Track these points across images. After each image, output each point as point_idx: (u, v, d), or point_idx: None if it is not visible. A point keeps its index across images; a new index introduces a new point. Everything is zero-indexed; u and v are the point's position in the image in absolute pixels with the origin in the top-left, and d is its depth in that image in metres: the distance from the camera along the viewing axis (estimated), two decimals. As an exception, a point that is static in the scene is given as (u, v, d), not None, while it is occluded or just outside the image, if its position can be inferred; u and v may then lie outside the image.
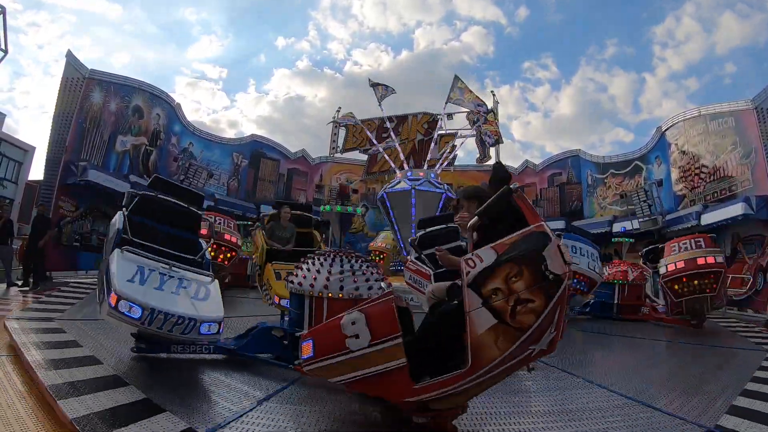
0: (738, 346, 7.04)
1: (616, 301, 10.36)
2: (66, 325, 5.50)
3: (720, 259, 8.58)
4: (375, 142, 23.32)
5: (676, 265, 8.73)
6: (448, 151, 24.30)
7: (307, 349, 2.91)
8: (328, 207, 12.72)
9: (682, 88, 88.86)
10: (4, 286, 9.48)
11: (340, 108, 27.67)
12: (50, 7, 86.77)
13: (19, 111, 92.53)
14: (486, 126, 23.86)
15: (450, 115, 26.85)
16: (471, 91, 22.26)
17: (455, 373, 2.44)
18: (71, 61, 15.08)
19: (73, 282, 10.89)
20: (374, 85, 22.09)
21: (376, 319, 2.69)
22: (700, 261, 8.43)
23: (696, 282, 8.33)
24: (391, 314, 2.67)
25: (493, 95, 25.72)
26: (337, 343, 2.74)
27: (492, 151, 27.01)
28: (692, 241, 9.00)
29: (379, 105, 20.67)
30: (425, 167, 23.67)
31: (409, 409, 2.78)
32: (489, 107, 23.53)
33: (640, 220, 18.22)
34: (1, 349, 4.44)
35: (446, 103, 20.49)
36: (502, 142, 24.35)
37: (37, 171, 20.83)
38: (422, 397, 2.56)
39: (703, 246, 8.82)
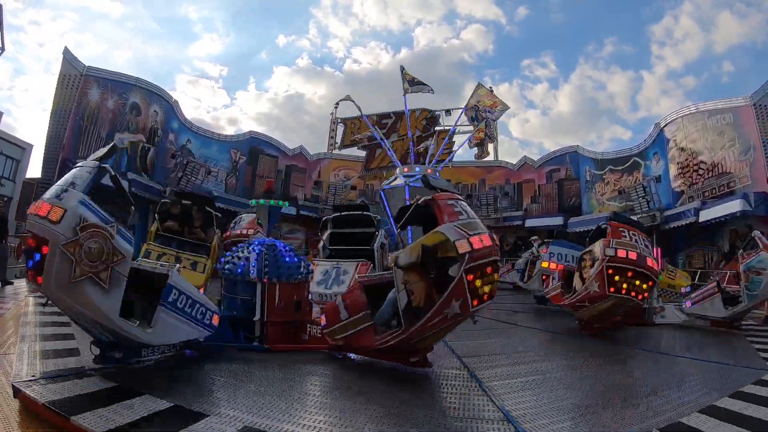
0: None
1: None
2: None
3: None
4: (380, 137, 23.33)
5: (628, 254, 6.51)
6: (444, 147, 24.39)
7: (322, 320, 4.63)
8: (254, 201, 12.73)
9: (680, 86, 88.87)
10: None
11: (338, 104, 27.68)
12: (51, 5, 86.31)
13: (19, 109, 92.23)
14: (484, 102, 24.03)
15: (448, 111, 26.95)
16: (413, 77, 22.61)
17: (394, 331, 3.93)
18: (68, 58, 15.02)
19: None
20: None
21: (350, 301, 4.43)
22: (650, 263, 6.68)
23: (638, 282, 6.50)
24: (361, 296, 4.39)
25: (491, 90, 25.73)
26: (335, 316, 4.44)
27: (491, 147, 27.10)
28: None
29: (404, 95, 21.20)
30: (425, 163, 23.75)
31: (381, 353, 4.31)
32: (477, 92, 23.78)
33: (639, 216, 18.20)
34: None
35: (404, 95, 20.83)
36: (508, 107, 24.44)
37: (34, 169, 20.79)
38: (381, 345, 4.01)
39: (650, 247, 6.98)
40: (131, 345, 3.73)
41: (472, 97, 24.25)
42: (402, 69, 23.01)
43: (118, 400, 3.05)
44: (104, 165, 3.74)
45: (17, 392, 3.07)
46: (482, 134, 26.07)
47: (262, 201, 11.93)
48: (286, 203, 12.19)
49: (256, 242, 5.41)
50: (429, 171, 19.32)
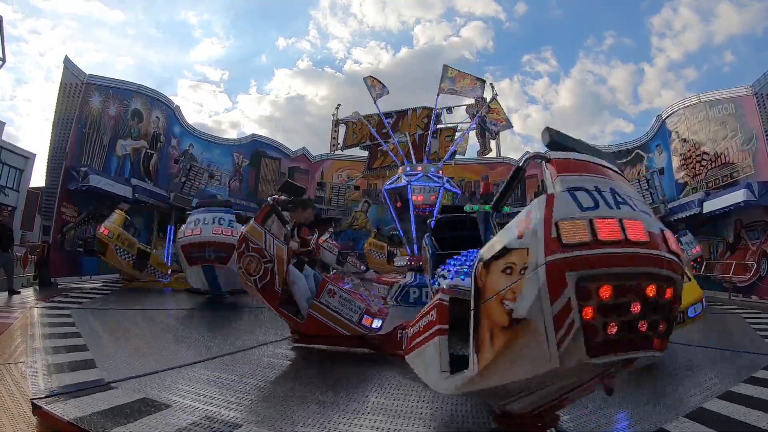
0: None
1: None
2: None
3: None
4: (380, 139, 23.28)
5: None
6: (449, 144, 24.35)
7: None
8: (472, 207, 12.49)
9: (681, 78, 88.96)
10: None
11: (339, 105, 27.77)
12: (50, 15, 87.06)
13: (22, 118, 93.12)
14: (491, 115, 23.80)
15: (450, 109, 26.90)
16: (464, 75, 21.75)
17: None
18: (69, 66, 15.06)
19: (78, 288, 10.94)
20: (371, 82, 21.77)
21: None
22: None
23: None
24: None
25: (492, 88, 25.65)
26: None
27: (492, 143, 27.03)
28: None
29: (375, 103, 20.60)
30: (425, 161, 23.66)
31: None
32: (486, 95, 23.29)
33: (643, 209, 18.16)
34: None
35: (437, 95, 20.26)
36: (511, 126, 24.24)
37: (39, 177, 20.91)
38: None
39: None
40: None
41: (484, 106, 23.57)
42: (446, 67, 22.24)
43: (146, 413, 3.08)
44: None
45: (36, 408, 3.06)
46: (503, 113, 25.59)
47: (476, 207, 11.80)
48: (506, 208, 11.96)
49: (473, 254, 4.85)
50: (420, 168, 19.16)
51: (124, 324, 6.74)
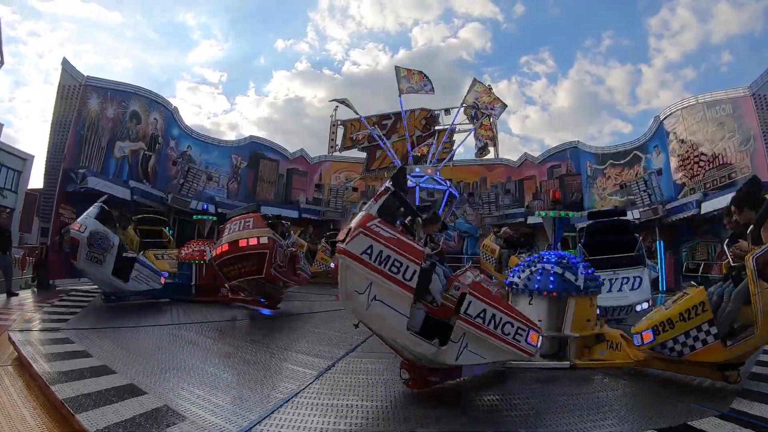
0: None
1: (194, 282, 10.04)
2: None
3: (264, 240, 7.67)
4: (378, 137, 23.38)
5: (222, 248, 7.93)
6: (443, 146, 24.49)
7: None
8: (543, 213, 12.36)
9: (679, 78, 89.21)
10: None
11: (338, 106, 27.71)
12: (49, 17, 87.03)
13: (21, 120, 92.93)
14: (482, 99, 24.13)
15: (447, 110, 26.97)
16: (413, 73, 23.65)
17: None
18: (67, 68, 15.05)
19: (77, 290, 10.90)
20: (344, 100, 23.66)
21: None
22: (242, 243, 7.72)
23: (242, 265, 7.75)
24: None
25: (490, 89, 25.72)
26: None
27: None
28: (242, 221, 8.11)
29: (357, 113, 21.49)
30: (427, 162, 23.79)
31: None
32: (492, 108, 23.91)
33: (641, 209, 18.17)
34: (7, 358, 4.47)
35: (399, 96, 21.95)
36: (506, 106, 24.61)
37: (37, 179, 20.87)
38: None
39: (251, 226, 7.94)
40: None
41: (469, 93, 24.36)
42: (397, 68, 23.09)
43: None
44: None
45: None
46: (491, 132, 26.13)
47: (552, 213, 11.82)
48: (572, 213, 11.90)
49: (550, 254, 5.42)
50: (429, 171, 19.35)
51: (144, 344, 5.46)
